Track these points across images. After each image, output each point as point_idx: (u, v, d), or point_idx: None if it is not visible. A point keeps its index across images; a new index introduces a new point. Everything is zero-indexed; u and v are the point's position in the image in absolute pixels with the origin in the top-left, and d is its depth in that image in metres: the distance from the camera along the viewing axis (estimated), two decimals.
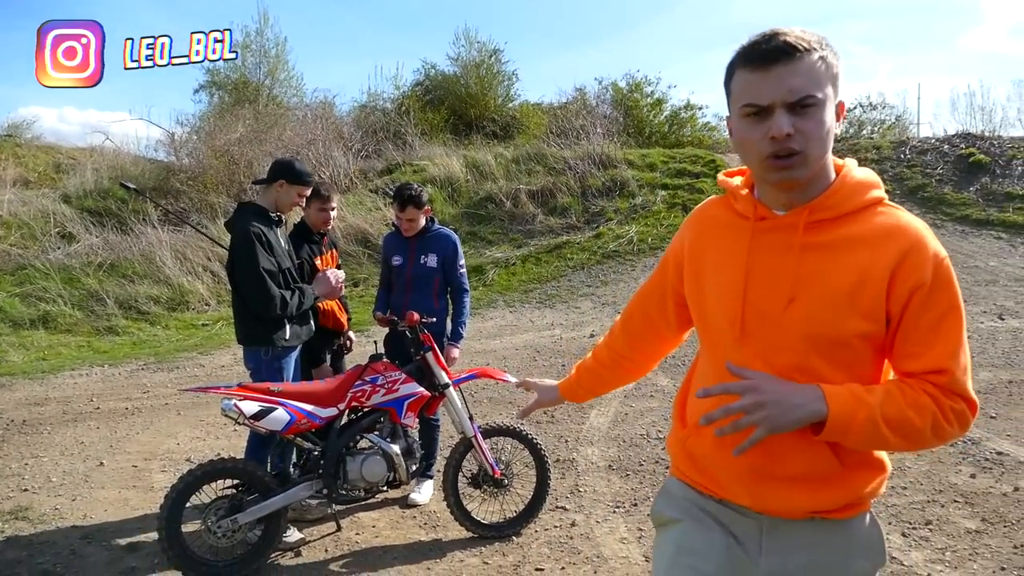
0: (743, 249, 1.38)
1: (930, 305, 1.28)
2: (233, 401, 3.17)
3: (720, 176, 1.52)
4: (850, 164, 1.39)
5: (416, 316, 3.63)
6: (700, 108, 20.93)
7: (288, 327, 3.58)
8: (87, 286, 10.74)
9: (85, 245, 12.09)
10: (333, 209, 4.16)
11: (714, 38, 56.14)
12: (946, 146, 15.08)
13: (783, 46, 1.23)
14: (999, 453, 4.81)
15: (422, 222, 4.18)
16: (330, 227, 4.24)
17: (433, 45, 52.81)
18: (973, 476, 4.46)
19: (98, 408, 6.46)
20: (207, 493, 3.29)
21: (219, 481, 3.28)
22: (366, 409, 3.52)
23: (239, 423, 3.20)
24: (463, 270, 4.32)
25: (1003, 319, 8.67)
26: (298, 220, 4.28)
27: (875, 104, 20.75)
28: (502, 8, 48.24)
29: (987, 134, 15.74)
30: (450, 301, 4.35)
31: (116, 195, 14.45)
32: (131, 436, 5.61)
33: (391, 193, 13.77)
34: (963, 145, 14.90)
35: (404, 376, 3.54)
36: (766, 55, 1.24)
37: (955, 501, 4.13)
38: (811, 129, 1.24)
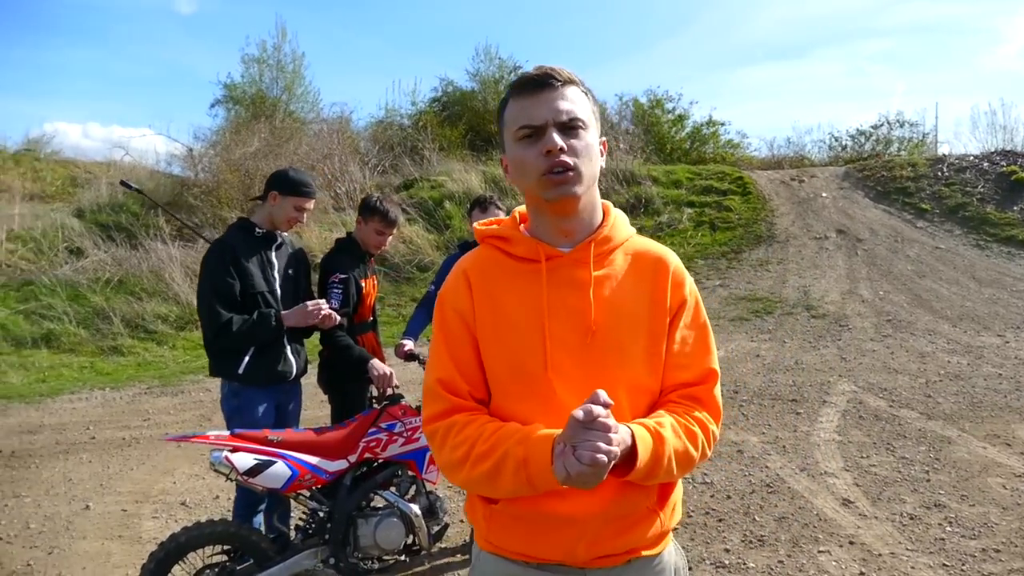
0: (540, 289, 1.39)
1: (694, 320, 1.45)
2: (224, 453, 2.68)
3: (476, 226, 1.53)
4: (609, 204, 1.52)
5: None
6: (723, 124, 20.55)
7: (246, 358, 3.09)
8: (93, 303, 10.34)
9: (93, 260, 11.72)
10: (392, 235, 3.71)
11: (731, 57, 55.77)
12: (985, 163, 14.46)
13: (551, 74, 1.37)
14: None
15: None
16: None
17: (450, 64, 52.87)
18: None
19: (93, 438, 6.00)
20: (192, 561, 2.79)
21: (207, 548, 2.78)
22: (381, 461, 3.01)
23: (230, 479, 2.71)
24: None
25: None
26: (343, 235, 3.80)
27: (901, 121, 20.22)
28: (517, 30, 48.24)
29: None
30: None
31: (129, 209, 14.14)
32: (124, 473, 5.13)
33: (406, 208, 13.57)
34: (1004, 163, 14.27)
35: None
36: (536, 82, 1.37)
37: None
38: (580, 148, 1.36)
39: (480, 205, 3.87)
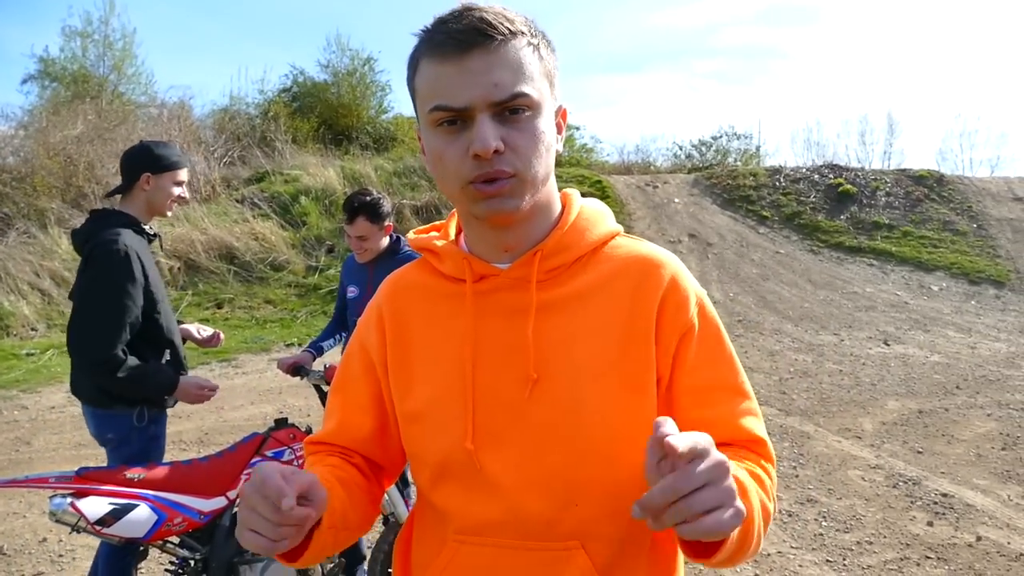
0: (466, 322, 1.01)
1: (705, 354, 0.99)
2: (68, 500, 2.16)
3: (410, 235, 1.13)
4: (574, 193, 1.09)
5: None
6: (578, 128, 21.20)
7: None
8: None
9: None
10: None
11: (580, 65, 57.94)
12: (816, 176, 15.83)
13: (481, 25, 0.89)
14: (944, 495, 4.58)
15: (382, 242, 3.19)
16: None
17: (300, 54, 50.67)
18: (930, 524, 4.16)
19: None
20: None
21: None
22: None
23: (79, 530, 2.19)
24: None
25: (888, 345, 8.88)
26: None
27: (737, 134, 21.87)
28: (367, 22, 47.30)
29: (852, 165, 16.74)
30: None
31: None
32: None
33: (258, 203, 12.69)
34: (831, 175, 15.69)
35: None
36: (459, 38, 0.89)
37: (927, 557, 3.78)
38: (526, 144, 0.91)
39: (347, 206, 3.15)
